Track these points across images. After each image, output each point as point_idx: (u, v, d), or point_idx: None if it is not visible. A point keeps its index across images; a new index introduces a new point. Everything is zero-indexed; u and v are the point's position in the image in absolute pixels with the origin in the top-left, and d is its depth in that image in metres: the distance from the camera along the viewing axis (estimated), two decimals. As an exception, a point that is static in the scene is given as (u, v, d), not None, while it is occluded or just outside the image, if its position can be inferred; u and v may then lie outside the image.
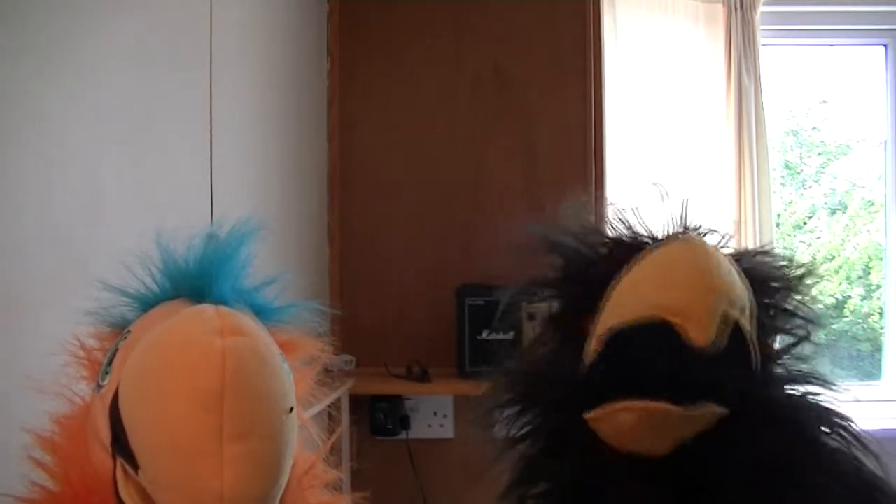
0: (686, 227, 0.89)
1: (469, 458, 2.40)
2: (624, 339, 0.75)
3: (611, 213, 0.90)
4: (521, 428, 0.88)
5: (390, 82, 2.47)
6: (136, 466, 0.60)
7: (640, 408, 0.73)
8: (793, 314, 0.85)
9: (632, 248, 0.83)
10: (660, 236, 0.87)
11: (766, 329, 0.83)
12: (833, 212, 2.95)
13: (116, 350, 0.70)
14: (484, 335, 2.23)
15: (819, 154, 3.00)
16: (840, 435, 0.81)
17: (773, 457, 0.76)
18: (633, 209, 0.89)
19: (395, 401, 2.39)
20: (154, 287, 0.75)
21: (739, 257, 0.86)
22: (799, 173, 3.00)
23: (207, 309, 0.64)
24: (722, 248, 0.87)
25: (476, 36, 2.45)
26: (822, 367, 0.84)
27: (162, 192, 1.36)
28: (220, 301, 0.72)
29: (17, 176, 0.99)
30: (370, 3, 2.47)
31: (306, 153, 2.29)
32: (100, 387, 0.69)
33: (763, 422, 0.77)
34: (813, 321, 0.84)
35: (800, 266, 0.86)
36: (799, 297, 0.85)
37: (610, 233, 0.89)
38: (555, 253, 0.90)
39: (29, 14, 1.02)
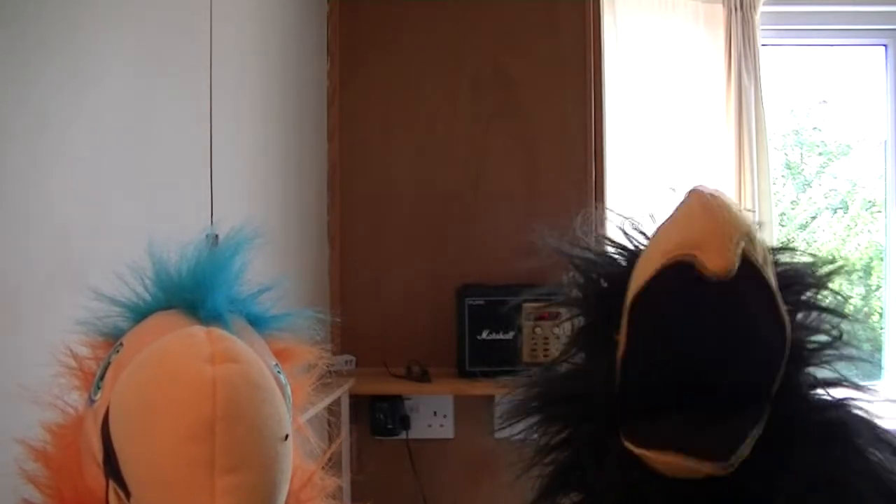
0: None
1: (469, 458, 2.41)
2: (647, 304, 0.73)
3: (627, 223, 0.89)
4: (553, 437, 0.86)
5: (390, 82, 2.47)
6: (127, 493, 0.59)
7: (678, 463, 0.72)
8: (826, 311, 0.83)
9: None
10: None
11: (800, 328, 0.81)
12: (834, 212, 2.95)
13: (109, 363, 0.68)
14: (484, 335, 2.23)
15: (820, 154, 3.00)
16: (877, 446, 0.79)
17: (813, 474, 0.75)
18: (650, 217, 0.88)
19: (395, 401, 2.38)
20: (147, 297, 0.73)
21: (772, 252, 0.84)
22: (800, 173, 3.00)
23: (198, 333, 0.62)
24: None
25: (476, 36, 2.45)
26: (859, 369, 0.82)
27: (162, 193, 1.36)
28: (215, 312, 0.70)
29: (17, 177, 0.99)
30: (370, 3, 2.47)
31: (306, 153, 2.28)
32: (92, 401, 0.67)
33: (802, 435, 0.76)
34: (848, 318, 0.82)
35: (830, 262, 0.84)
36: (832, 295, 0.83)
37: (627, 244, 0.88)
38: (573, 269, 0.89)
39: (29, 15, 1.02)
